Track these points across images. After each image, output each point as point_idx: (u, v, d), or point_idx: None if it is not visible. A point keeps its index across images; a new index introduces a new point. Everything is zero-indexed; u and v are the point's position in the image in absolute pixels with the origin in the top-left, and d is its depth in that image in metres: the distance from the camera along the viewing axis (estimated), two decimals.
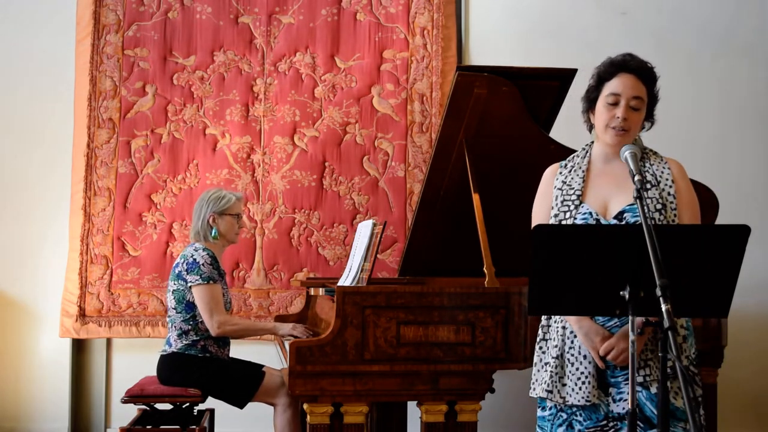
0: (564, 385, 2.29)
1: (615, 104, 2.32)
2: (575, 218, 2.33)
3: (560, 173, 2.44)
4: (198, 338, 3.47)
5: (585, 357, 2.29)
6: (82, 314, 4.41)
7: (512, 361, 2.87)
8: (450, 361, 2.84)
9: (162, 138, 4.53)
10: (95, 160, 4.50)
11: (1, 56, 4.58)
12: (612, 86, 2.34)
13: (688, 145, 4.55)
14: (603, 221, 2.31)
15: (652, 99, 2.39)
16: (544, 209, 2.44)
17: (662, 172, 2.35)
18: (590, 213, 2.32)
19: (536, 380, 2.39)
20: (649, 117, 2.41)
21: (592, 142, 2.46)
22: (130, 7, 4.57)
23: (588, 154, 2.44)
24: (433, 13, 4.60)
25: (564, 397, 2.29)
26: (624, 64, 2.35)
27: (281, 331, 3.50)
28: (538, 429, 2.42)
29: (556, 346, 2.33)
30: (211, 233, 3.58)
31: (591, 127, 2.46)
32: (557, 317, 2.35)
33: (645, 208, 1.98)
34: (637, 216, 2.26)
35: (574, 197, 2.35)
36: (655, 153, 2.41)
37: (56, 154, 4.53)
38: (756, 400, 4.57)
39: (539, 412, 2.41)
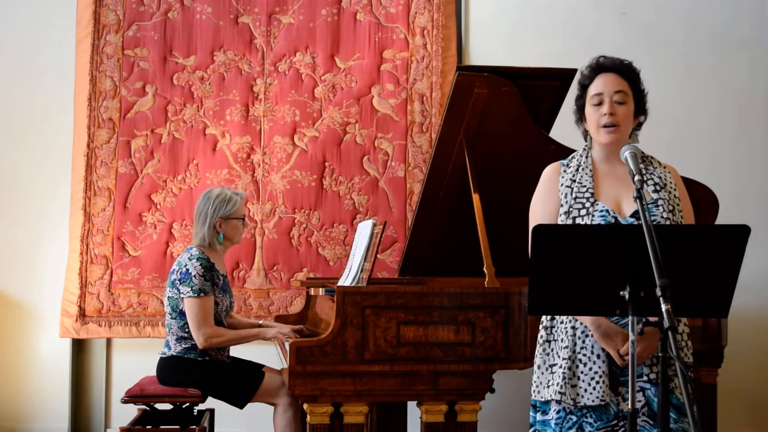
0: (574, 386, 2.27)
1: (600, 104, 2.37)
2: (593, 216, 2.32)
3: (565, 171, 2.44)
4: (196, 342, 3.45)
5: (598, 356, 2.27)
6: (82, 314, 4.41)
7: (512, 361, 2.87)
8: (450, 361, 2.84)
9: (162, 138, 4.53)
10: (95, 160, 4.50)
11: (1, 56, 4.58)
12: (594, 87, 2.40)
13: (686, 144, 4.56)
14: (621, 219, 2.31)
15: (639, 93, 2.43)
16: (549, 208, 2.42)
17: (665, 176, 2.38)
18: (607, 210, 2.32)
19: (541, 383, 2.36)
20: (641, 111, 2.44)
21: (588, 146, 2.48)
22: (130, 7, 4.57)
23: (589, 155, 2.45)
24: (433, 13, 4.60)
25: (575, 399, 2.26)
26: (600, 66, 2.42)
27: (267, 334, 3.49)
28: None
29: (566, 347, 2.30)
30: (217, 239, 3.52)
31: (586, 135, 2.49)
32: (564, 318, 2.33)
33: (645, 207, 1.98)
34: (654, 216, 2.27)
35: (588, 194, 2.35)
36: (653, 158, 2.43)
37: (56, 154, 4.54)
38: (756, 400, 4.57)
39: (538, 416, 2.38)
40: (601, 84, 2.38)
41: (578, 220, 2.33)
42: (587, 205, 2.34)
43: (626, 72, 2.41)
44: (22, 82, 4.57)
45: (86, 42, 4.55)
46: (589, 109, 2.40)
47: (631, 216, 2.30)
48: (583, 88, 2.44)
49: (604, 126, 2.35)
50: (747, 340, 4.40)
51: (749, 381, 4.51)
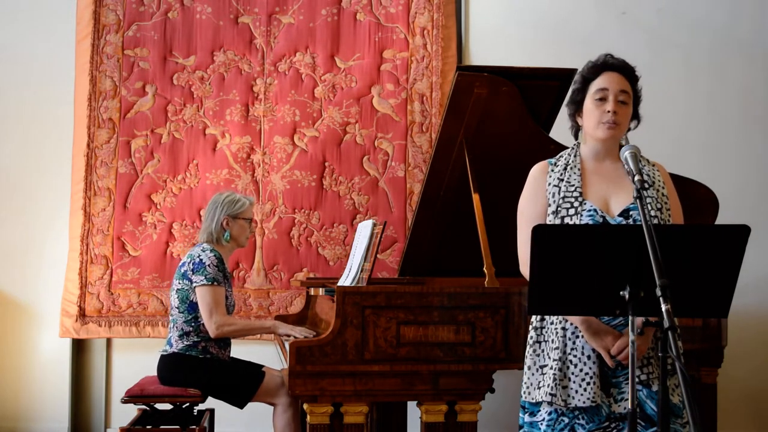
0: (565, 387, 2.26)
1: (603, 99, 2.36)
2: (581, 215, 2.31)
3: (552, 170, 2.43)
4: (199, 339, 3.47)
5: (589, 357, 2.26)
6: (82, 314, 4.41)
7: (512, 361, 2.87)
8: (450, 361, 2.84)
9: (162, 138, 4.53)
10: (95, 160, 4.50)
11: (1, 56, 4.58)
12: (598, 83, 2.38)
13: (686, 144, 4.56)
14: (609, 219, 2.30)
15: (637, 98, 2.43)
16: (538, 208, 2.40)
17: (653, 174, 2.38)
18: (595, 210, 2.31)
19: (531, 384, 2.35)
20: (635, 116, 2.44)
21: (578, 144, 2.47)
22: (130, 7, 4.57)
23: (578, 154, 2.44)
24: (433, 13, 4.60)
25: (566, 400, 2.25)
26: (607, 63, 2.40)
27: (280, 330, 3.50)
28: None
29: (556, 348, 2.29)
30: (224, 236, 3.58)
31: (577, 132, 2.48)
32: (554, 318, 2.33)
33: (645, 208, 1.98)
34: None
35: (576, 194, 2.34)
36: (642, 156, 2.42)
37: (56, 154, 4.54)
38: (755, 400, 4.57)
39: (527, 418, 2.37)
40: (607, 81, 2.36)
41: (567, 220, 2.32)
42: (575, 204, 2.33)
43: (630, 75, 2.40)
44: (22, 82, 4.56)
45: (86, 42, 4.55)
46: (590, 104, 2.38)
47: (620, 215, 2.30)
48: (586, 82, 2.40)
49: (605, 123, 2.34)
50: (747, 340, 4.40)
51: (749, 381, 4.51)
